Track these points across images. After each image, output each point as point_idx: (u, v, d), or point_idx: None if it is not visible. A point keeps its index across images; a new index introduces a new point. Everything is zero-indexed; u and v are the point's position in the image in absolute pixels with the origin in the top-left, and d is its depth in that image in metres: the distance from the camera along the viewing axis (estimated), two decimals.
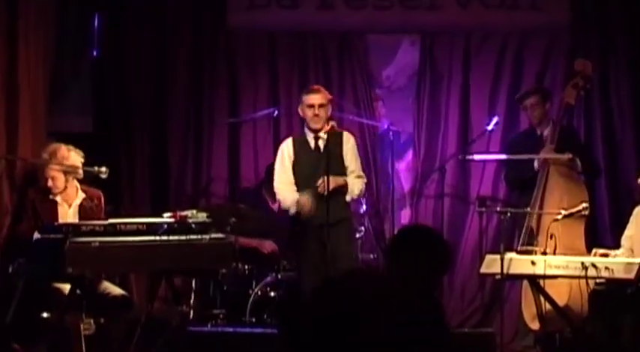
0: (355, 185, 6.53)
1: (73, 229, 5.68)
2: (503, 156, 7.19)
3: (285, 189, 6.54)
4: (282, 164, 6.58)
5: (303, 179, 6.52)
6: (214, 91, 7.86)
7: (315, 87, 6.73)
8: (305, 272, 6.53)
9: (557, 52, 7.77)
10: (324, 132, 6.42)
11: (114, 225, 5.77)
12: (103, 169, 6.18)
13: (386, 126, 7.70)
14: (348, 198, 6.53)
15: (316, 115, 6.46)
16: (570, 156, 6.57)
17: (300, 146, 6.56)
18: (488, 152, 7.65)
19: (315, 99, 6.49)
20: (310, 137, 6.56)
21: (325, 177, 6.29)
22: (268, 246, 7.23)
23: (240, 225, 6.58)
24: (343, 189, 6.48)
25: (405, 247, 3.76)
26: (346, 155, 6.55)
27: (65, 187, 6.14)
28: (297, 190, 6.52)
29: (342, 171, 6.50)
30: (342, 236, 6.45)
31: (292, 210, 6.48)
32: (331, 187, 6.31)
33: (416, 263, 3.67)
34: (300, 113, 6.60)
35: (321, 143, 6.51)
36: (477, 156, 7.28)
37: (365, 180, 6.69)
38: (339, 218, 6.41)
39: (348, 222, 6.59)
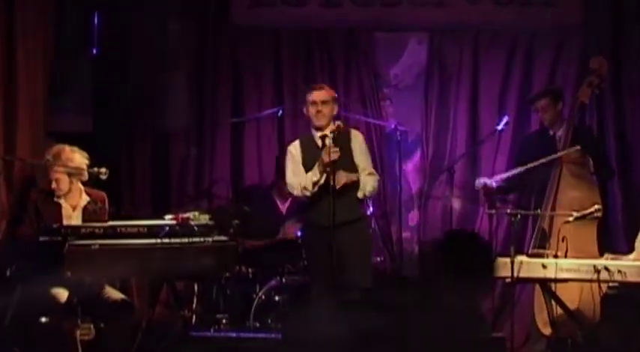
0: (367, 182, 6.39)
1: (72, 231, 5.60)
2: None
3: (301, 176, 6.38)
4: (293, 162, 6.46)
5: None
6: (217, 90, 7.81)
7: (319, 84, 6.65)
8: (313, 275, 6.44)
9: (569, 50, 7.69)
10: (330, 132, 6.29)
11: (114, 227, 5.71)
12: (103, 170, 6.10)
13: (393, 126, 7.63)
14: (360, 194, 6.38)
15: (319, 112, 6.37)
16: (579, 147, 6.47)
17: (307, 146, 6.45)
18: (497, 152, 7.59)
19: (317, 95, 6.40)
20: (317, 136, 6.44)
21: (338, 173, 6.16)
22: (289, 229, 7.11)
23: (243, 227, 6.51)
24: (355, 185, 6.34)
25: (448, 252, 3.76)
26: (355, 153, 6.43)
27: (69, 189, 6.07)
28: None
29: (352, 169, 6.37)
30: (354, 237, 6.30)
31: (315, 178, 6.27)
32: (343, 182, 6.19)
33: (458, 267, 3.67)
34: (305, 112, 6.49)
35: (327, 142, 6.36)
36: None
37: (378, 178, 6.55)
38: (351, 218, 6.28)
39: (361, 222, 6.44)
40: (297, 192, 6.39)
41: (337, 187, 6.15)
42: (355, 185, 6.33)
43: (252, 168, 7.79)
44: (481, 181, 6.96)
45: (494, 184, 6.88)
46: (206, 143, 7.76)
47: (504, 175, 6.95)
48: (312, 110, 6.39)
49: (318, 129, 6.41)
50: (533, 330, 6.74)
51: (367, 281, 6.25)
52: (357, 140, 6.49)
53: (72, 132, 7.22)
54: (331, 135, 6.25)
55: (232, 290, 6.94)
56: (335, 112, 6.47)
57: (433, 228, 7.72)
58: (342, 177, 6.21)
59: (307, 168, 6.37)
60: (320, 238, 6.26)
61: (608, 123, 7.61)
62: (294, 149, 6.48)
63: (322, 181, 6.25)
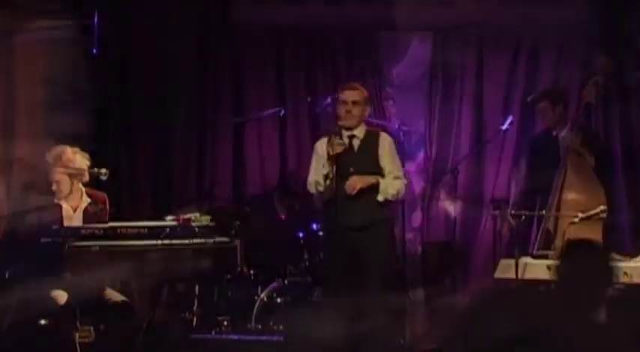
0: (391, 185, 6.27)
1: (72, 232, 5.59)
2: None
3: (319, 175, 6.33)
4: (316, 161, 6.38)
5: (337, 178, 6.20)
6: (218, 90, 7.77)
7: (352, 83, 6.53)
8: (320, 275, 6.44)
9: (574, 49, 7.64)
10: (335, 133, 6.22)
11: (114, 228, 5.67)
12: (103, 171, 6.07)
13: (396, 126, 7.58)
14: (380, 197, 6.26)
15: (348, 112, 6.27)
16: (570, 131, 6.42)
17: None
18: (502, 153, 7.56)
19: (348, 95, 6.31)
20: (345, 135, 6.31)
21: (352, 178, 6.14)
22: None
23: (244, 228, 6.47)
24: (375, 188, 6.25)
25: (568, 262, 3.77)
26: (382, 156, 6.33)
27: (70, 191, 6.03)
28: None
29: (376, 171, 6.29)
30: (371, 240, 6.22)
31: (324, 171, 6.18)
32: (358, 187, 6.14)
33: (579, 278, 3.70)
34: (336, 110, 6.39)
35: (355, 142, 6.30)
36: None
37: (405, 181, 6.45)
38: (369, 221, 6.21)
39: (382, 225, 6.31)
40: (312, 189, 6.33)
41: (353, 193, 6.12)
42: (375, 188, 6.24)
43: (253, 168, 7.76)
44: (509, 224, 6.83)
45: (515, 218, 6.75)
46: (207, 143, 7.74)
47: (512, 201, 6.92)
48: (341, 109, 6.29)
49: (348, 128, 6.31)
50: None
51: (383, 283, 6.18)
52: (385, 143, 6.36)
53: (72, 132, 7.19)
54: (336, 137, 6.20)
55: (234, 292, 6.90)
56: (366, 113, 6.37)
57: (436, 229, 7.70)
58: (357, 182, 6.15)
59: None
60: (334, 239, 6.22)
61: (613, 124, 7.57)
62: (320, 147, 6.39)
63: (332, 175, 6.16)
